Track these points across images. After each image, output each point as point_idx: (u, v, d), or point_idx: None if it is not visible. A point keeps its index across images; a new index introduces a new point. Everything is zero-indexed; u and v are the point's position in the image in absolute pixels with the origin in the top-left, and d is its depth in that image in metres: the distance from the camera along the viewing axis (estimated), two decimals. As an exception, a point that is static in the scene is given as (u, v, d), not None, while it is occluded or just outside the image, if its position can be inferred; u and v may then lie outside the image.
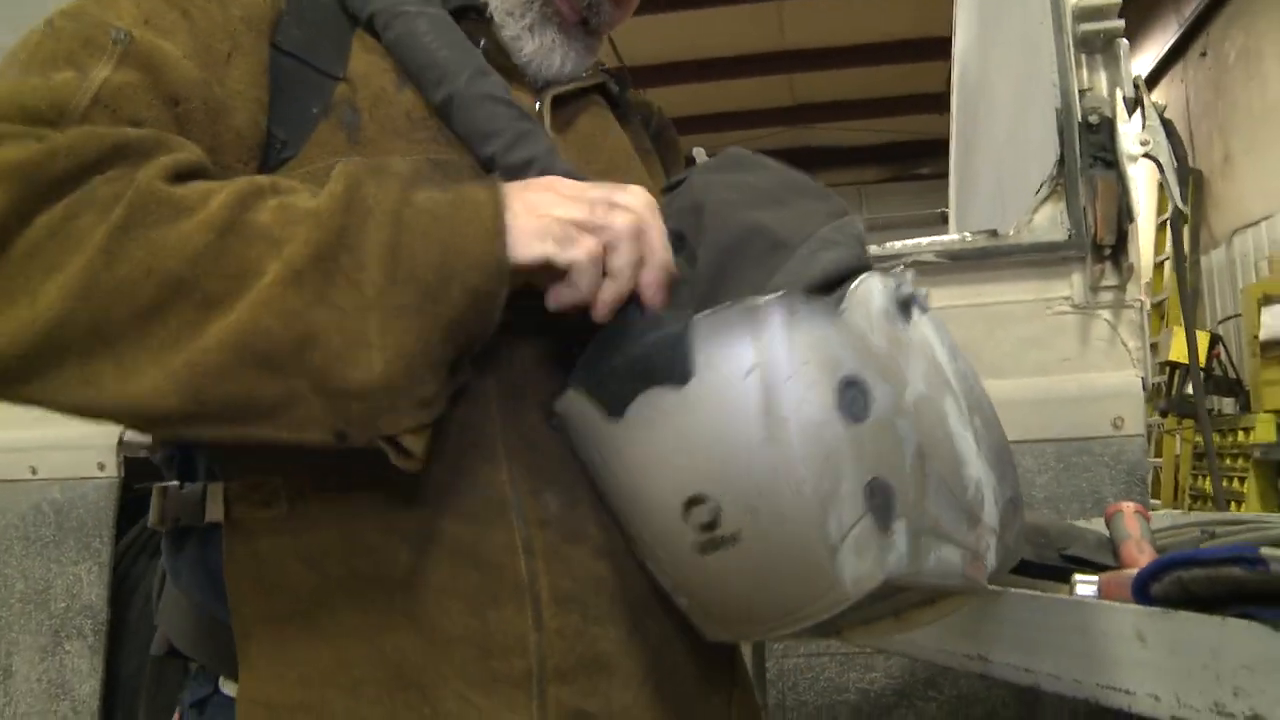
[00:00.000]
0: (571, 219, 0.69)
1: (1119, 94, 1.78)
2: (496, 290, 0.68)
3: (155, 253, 0.63)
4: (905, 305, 0.73)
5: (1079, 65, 1.83)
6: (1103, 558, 1.12)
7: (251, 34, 0.79)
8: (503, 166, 0.78)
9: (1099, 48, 1.84)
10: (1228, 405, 5.97)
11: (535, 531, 0.75)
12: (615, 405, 0.70)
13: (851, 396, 0.67)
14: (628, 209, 0.71)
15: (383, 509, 0.73)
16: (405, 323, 0.65)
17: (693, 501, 0.68)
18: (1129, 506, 1.25)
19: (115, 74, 0.70)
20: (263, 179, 0.69)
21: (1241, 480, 5.78)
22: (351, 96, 0.80)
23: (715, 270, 0.74)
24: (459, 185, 0.70)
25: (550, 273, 0.70)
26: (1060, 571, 1.10)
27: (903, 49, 8.45)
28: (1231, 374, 5.98)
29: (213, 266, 0.63)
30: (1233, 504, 5.78)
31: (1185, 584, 0.80)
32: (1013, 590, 0.97)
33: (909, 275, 0.75)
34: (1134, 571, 0.99)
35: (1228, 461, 5.97)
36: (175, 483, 0.82)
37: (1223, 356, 5.99)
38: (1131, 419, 1.79)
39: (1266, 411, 5.43)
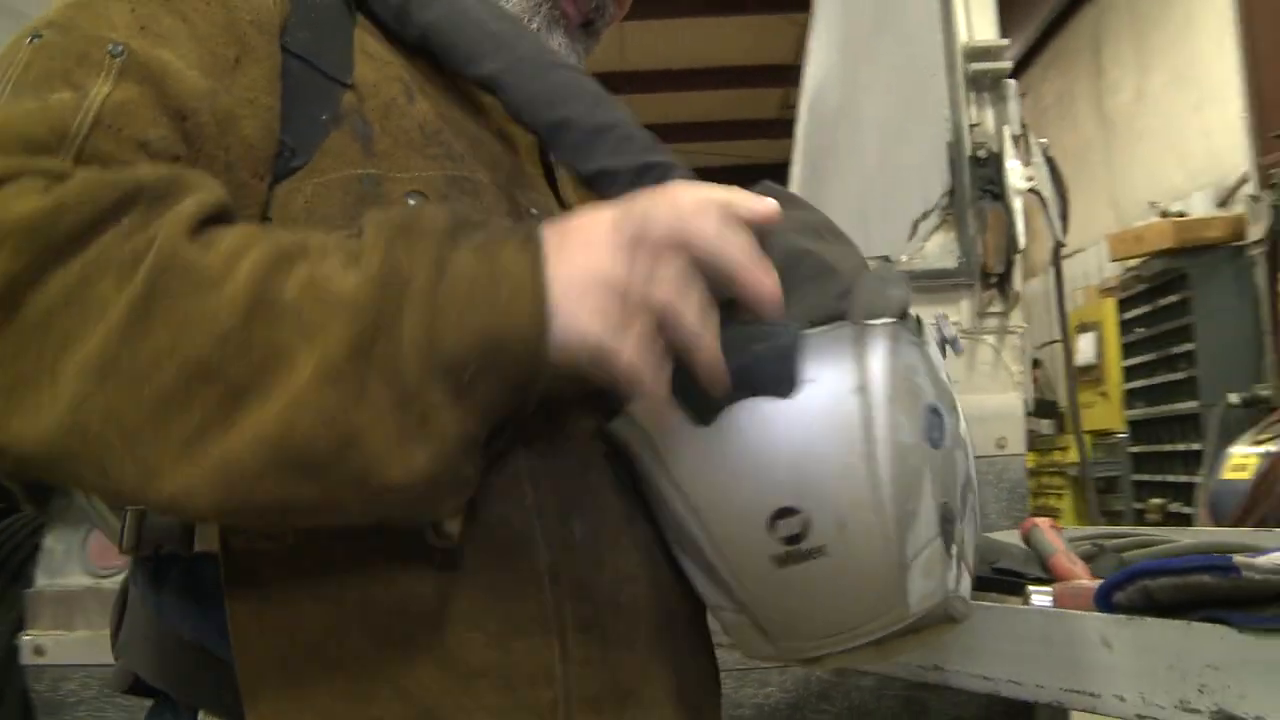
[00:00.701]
0: (620, 286, 0.64)
1: (1006, 131, 1.89)
2: (537, 380, 0.64)
3: (178, 332, 0.58)
4: (943, 345, 0.77)
5: (968, 102, 1.93)
6: (1032, 569, 1.18)
7: (263, 37, 0.74)
8: (584, 128, 0.76)
9: (987, 86, 1.94)
10: (1045, 426, 6.36)
11: (561, 559, 0.74)
12: (707, 413, 0.69)
13: (933, 423, 0.69)
14: (675, 245, 0.65)
15: (400, 539, 0.71)
16: (446, 414, 0.61)
17: (782, 513, 0.68)
18: (1043, 522, 1.33)
19: (115, 90, 0.65)
20: (286, 237, 0.63)
21: (1059, 496, 6.17)
22: (360, 106, 0.76)
23: None
24: (495, 242, 0.64)
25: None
26: (993, 583, 1.15)
27: (739, 75, 8.70)
28: (1049, 396, 6.38)
29: (240, 352, 0.58)
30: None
31: (1150, 592, 0.86)
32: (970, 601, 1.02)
33: (949, 318, 0.80)
34: (1083, 582, 1.05)
35: (1044, 480, 6.37)
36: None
37: (1040, 380, 6.39)
38: (1014, 439, 1.90)
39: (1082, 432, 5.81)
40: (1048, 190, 1.86)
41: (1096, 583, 0.97)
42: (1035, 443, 6.11)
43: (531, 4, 0.89)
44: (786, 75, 8.05)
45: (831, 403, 0.68)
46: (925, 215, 1.94)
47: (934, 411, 0.70)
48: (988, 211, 1.85)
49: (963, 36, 1.99)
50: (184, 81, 0.68)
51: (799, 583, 0.69)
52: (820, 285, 0.73)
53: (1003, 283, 1.85)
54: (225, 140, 0.69)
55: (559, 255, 0.64)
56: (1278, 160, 4.66)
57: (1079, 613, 0.94)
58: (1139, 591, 0.87)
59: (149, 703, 0.80)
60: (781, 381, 0.67)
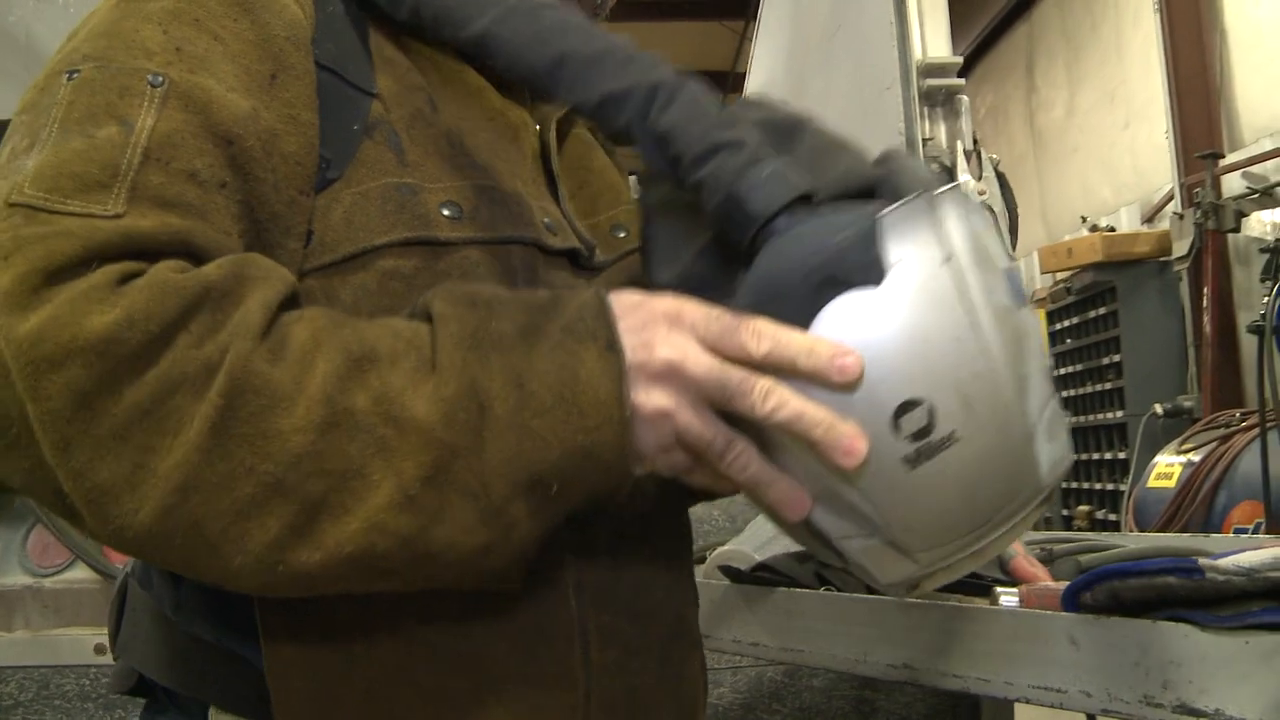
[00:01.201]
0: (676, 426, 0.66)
1: (959, 145, 1.94)
2: (619, 486, 0.67)
3: (255, 451, 0.60)
4: None
5: (922, 117, 1.98)
6: (992, 572, 1.22)
7: (299, 53, 0.74)
8: (581, 57, 0.73)
9: (940, 102, 1.99)
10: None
11: (585, 568, 0.76)
12: (798, 323, 0.64)
13: (1015, 283, 0.68)
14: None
15: None
16: (527, 526, 0.65)
17: (903, 409, 0.63)
18: (1000, 525, 1.37)
19: (160, 121, 0.65)
20: (353, 337, 0.64)
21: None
22: (387, 115, 0.76)
23: (813, 159, 0.71)
24: (572, 343, 0.65)
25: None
26: (959, 585, 1.19)
27: (682, 82, 8.74)
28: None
29: (315, 471, 0.61)
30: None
31: (1118, 592, 0.90)
32: (938, 602, 1.06)
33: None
34: (1049, 583, 1.09)
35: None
36: None
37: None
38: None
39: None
40: (999, 204, 1.91)
41: (1060, 585, 1.01)
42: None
43: None
44: (724, 82, 8.13)
45: (925, 279, 0.64)
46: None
47: (1010, 272, 0.68)
48: (941, 224, 1.89)
49: (917, 52, 2.04)
50: (227, 106, 0.68)
51: (935, 479, 0.65)
52: (833, 155, 0.71)
53: (955, 294, 1.89)
54: (270, 161, 0.69)
55: (637, 351, 0.65)
56: (1201, 180, 4.82)
57: (1047, 612, 0.98)
58: (1106, 592, 0.91)
59: (88, 706, 0.81)
60: (870, 268, 0.63)
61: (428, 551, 0.63)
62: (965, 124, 1.97)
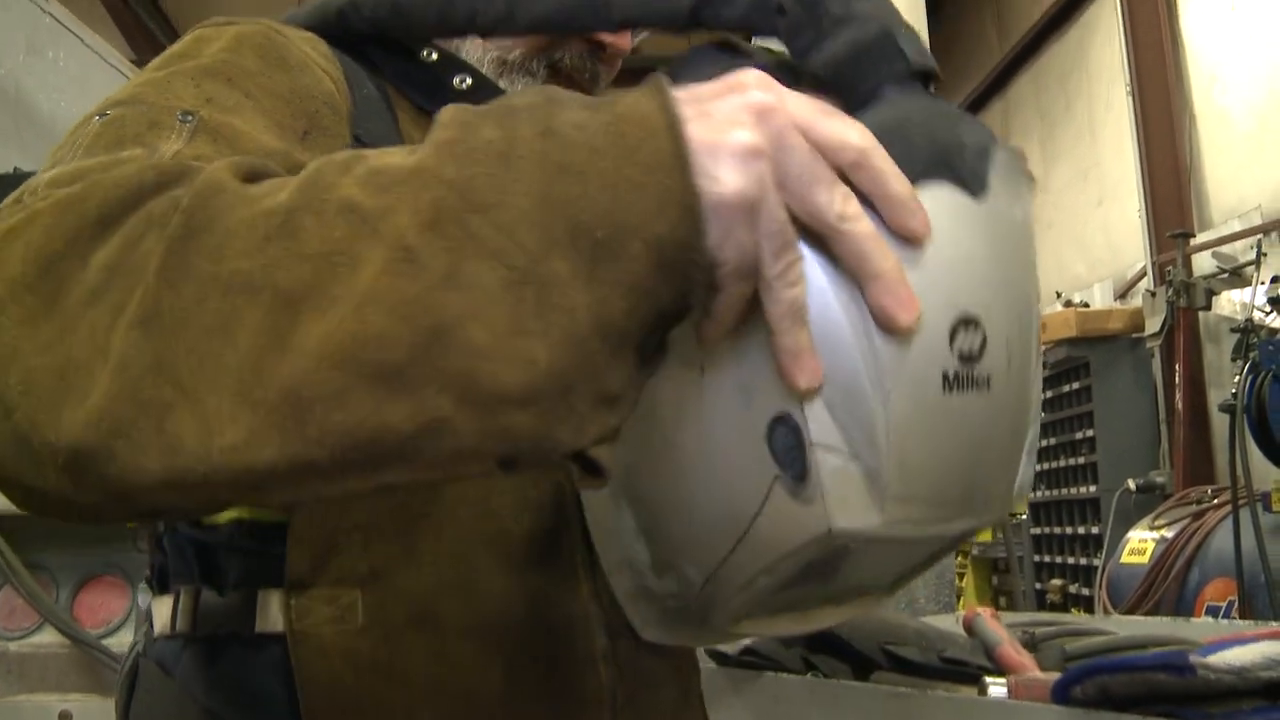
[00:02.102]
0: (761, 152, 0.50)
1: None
2: (690, 239, 0.48)
3: (218, 257, 0.48)
4: None
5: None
6: (978, 659, 1.22)
7: (335, 116, 0.74)
8: None
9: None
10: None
11: (613, 637, 0.77)
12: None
13: None
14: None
15: (472, 624, 0.72)
16: (575, 290, 0.47)
17: (965, 322, 0.56)
18: (985, 611, 1.38)
19: (188, 148, 0.61)
20: (344, 153, 0.53)
21: (960, 576, 6.28)
22: None
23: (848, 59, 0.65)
24: (606, 97, 0.53)
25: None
26: (945, 673, 1.19)
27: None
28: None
29: (287, 257, 0.48)
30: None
31: (1108, 687, 0.91)
32: (930, 692, 1.06)
33: None
34: (1036, 674, 1.10)
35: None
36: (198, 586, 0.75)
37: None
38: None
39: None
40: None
41: (1049, 676, 1.01)
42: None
43: (526, 76, 0.90)
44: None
45: (1013, 219, 0.60)
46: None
47: None
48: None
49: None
50: (257, 141, 0.65)
51: (955, 418, 0.57)
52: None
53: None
54: None
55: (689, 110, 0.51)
56: (1172, 258, 4.92)
57: (1036, 704, 0.98)
58: (1096, 687, 0.92)
59: None
60: (978, 178, 0.57)
61: (436, 326, 0.46)
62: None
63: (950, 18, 7.83)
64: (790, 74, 0.69)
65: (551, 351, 0.47)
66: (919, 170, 0.55)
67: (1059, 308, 5.57)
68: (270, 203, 0.49)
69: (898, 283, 0.51)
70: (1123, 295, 5.78)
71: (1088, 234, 6.26)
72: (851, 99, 0.62)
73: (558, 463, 0.51)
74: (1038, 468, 5.61)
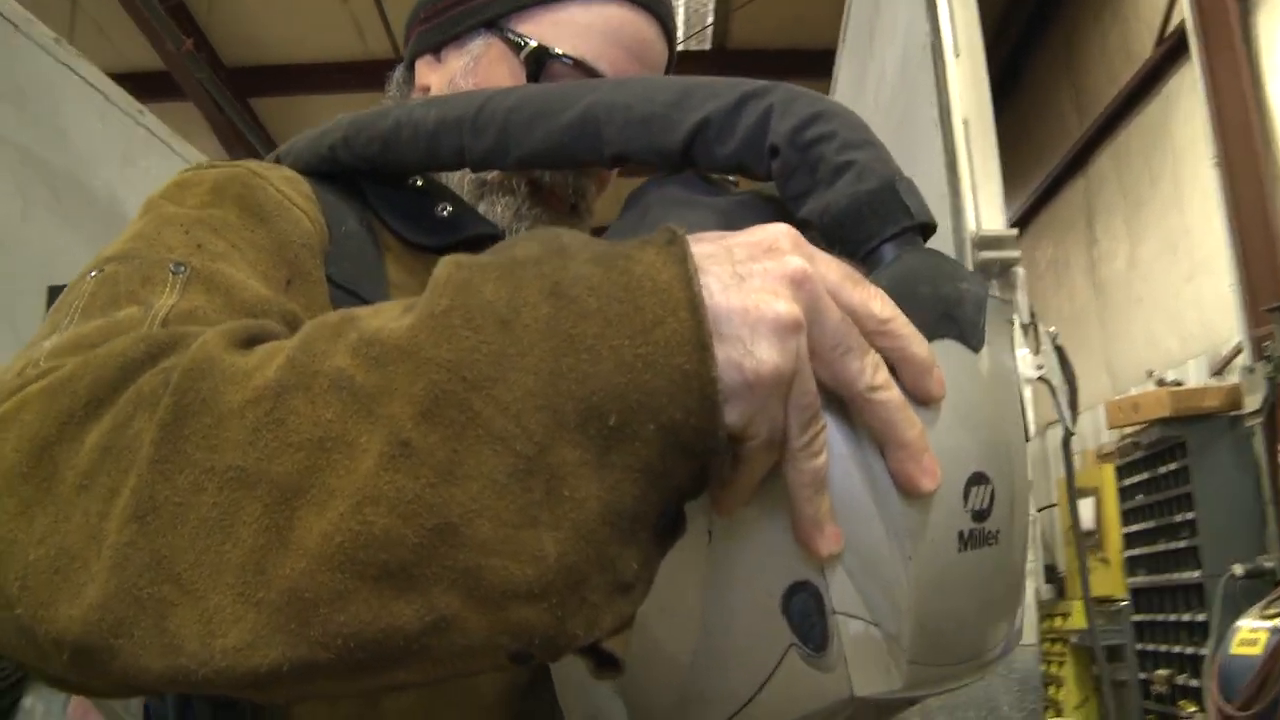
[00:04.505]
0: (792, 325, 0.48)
1: (1015, 319, 1.92)
2: (707, 425, 0.46)
3: (212, 446, 0.47)
4: None
5: (977, 290, 1.97)
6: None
7: (314, 260, 0.76)
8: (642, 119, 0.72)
9: (996, 274, 1.98)
10: (1045, 591, 6.29)
11: None
12: None
13: None
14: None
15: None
16: (586, 478, 0.45)
17: (976, 480, 0.56)
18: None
19: (182, 300, 0.63)
20: (336, 314, 0.51)
21: (1059, 664, 6.04)
22: None
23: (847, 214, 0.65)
24: (621, 248, 0.49)
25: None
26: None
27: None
28: (1048, 559, 6.32)
29: (279, 442, 0.46)
30: (1051, 687, 6.03)
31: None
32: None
33: None
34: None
35: (1045, 646, 6.26)
36: None
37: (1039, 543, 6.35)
38: (1024, 629, 1.87)
39: (1082, 598, 5.74)
40: (1057, 378, 1.88)
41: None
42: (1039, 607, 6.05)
43: (514, 205, 0.91)
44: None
45: (1007, 369, 0.61)
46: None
47: None
48: (999, 398, 1.86)
49: (971, 225, 2.05)
50: (249, 289, 0.67)
51: (970, 574, 0.57)
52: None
53: (1015, 470, 1.85)
54: None
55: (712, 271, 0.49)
56: (1270, 333, 4.74)
57: None
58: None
59: None
60: (976, 330, 0.58)
61: (440, 524, 0.44)
62: (1021, 297, 1.96)
63: (1026, 97, 7.80)
64: (775, 207, 0.68)
65: (561, 545, 0.45)
66: (928, 329, 0.55)
67: (1151, 386, 5.40)
68: (260, 380, 0.48)
69: (923, 450, 0.51)
70: (1219, 371, 5.59)
71: (1179, 309, 6.09)
72: (850, 251, 0.61)
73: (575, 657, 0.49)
74: (1137, 552, 5.42)
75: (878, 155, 0.64)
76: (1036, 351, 1.90)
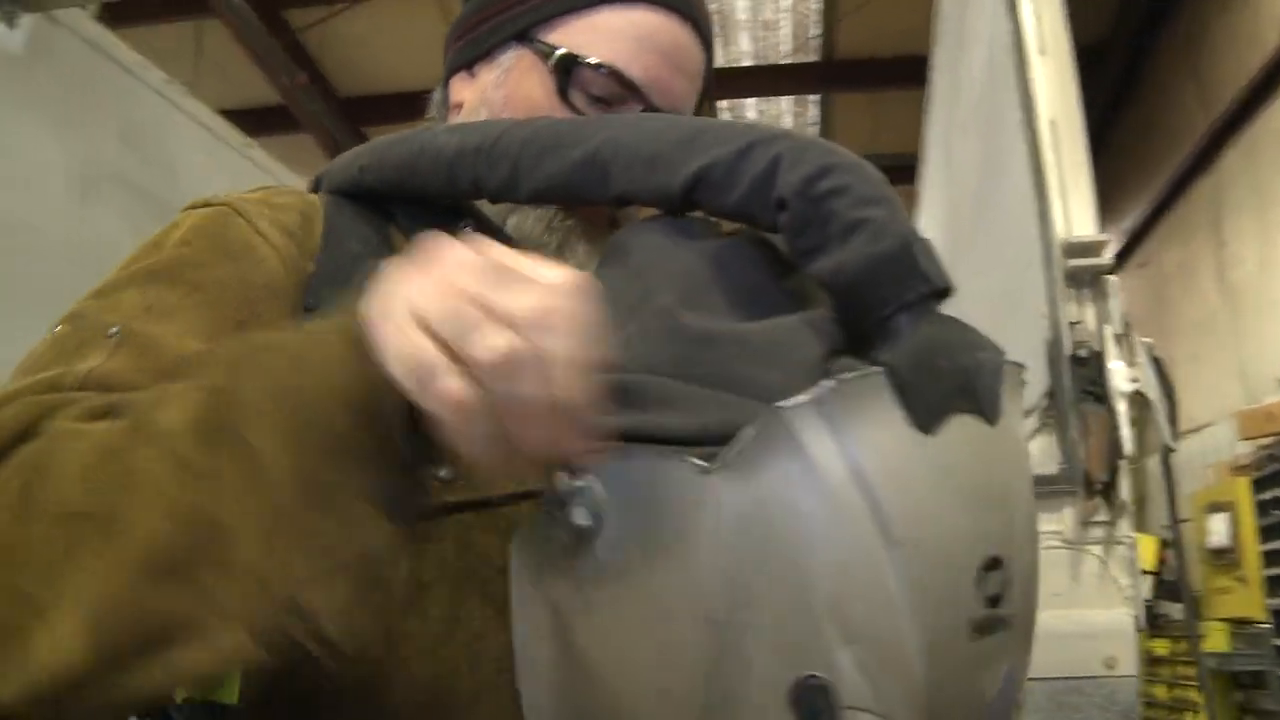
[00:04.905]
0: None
1: (1107, 330, 1.82)
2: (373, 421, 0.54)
3: (60, 492, 0.55)
4: None
5: (1067, 299, 1.87)
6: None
7: (275, 301, 0.76)
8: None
9: (1087, 283, 1.88)
10: (1177, 611, 5.98)
11: None
12: (926, 419, 0.54)
13: None
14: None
15: None
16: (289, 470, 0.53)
17: (993, 564, 0.54)
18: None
19: (106, 363, 0.68)
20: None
21: (1198, 689, 5.73)
22: None
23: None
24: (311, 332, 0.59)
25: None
26: None
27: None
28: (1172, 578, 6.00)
29: (104, 482, 0.54)
30: (1187, 714, 5.72)
31: None
32: None
33: None
34: None
35: (1179, 669, 5.94)
36: None
37: (1169, 562, 6.03)
38: (1124, 659, 1.76)
39: (1219, 620, 5.43)
40: (1154, 393, 1.76)
41: None
42: (1167, 628, 5.74)
43: (546, 218, 0.88)
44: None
45: (1019, 438, 0.59)
46: (1024, 417, 1.86)
47: None
48: (1089, 415, 1.76)
49: (1060, 231, 1.95)
50: (176, 349, 0.69)
51: (981, 664, 0.55)
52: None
53: (1108, 490, 1.75)
54: None
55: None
56: None
57: None
58: None
59: None
60: (994, 403, 0.56)
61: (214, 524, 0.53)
62: (1114, 306, 1.86)
63: (1148, 94, 7.48)
64: (765, 250, 0.64)
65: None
66: (948, 405, 0.55)
67: (1286, 396, 5.10)
68: (104, 434, 0.57)
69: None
70: (1363, 378, 5.25)
71: (1316, 313, 5.75)
72: (864, 316, 0.58)
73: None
74: (1276, 572, 5.11)
75: (893, 213, 0.61)
76: (1131, 364, 1.79)
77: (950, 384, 0.55)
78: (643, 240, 0.69)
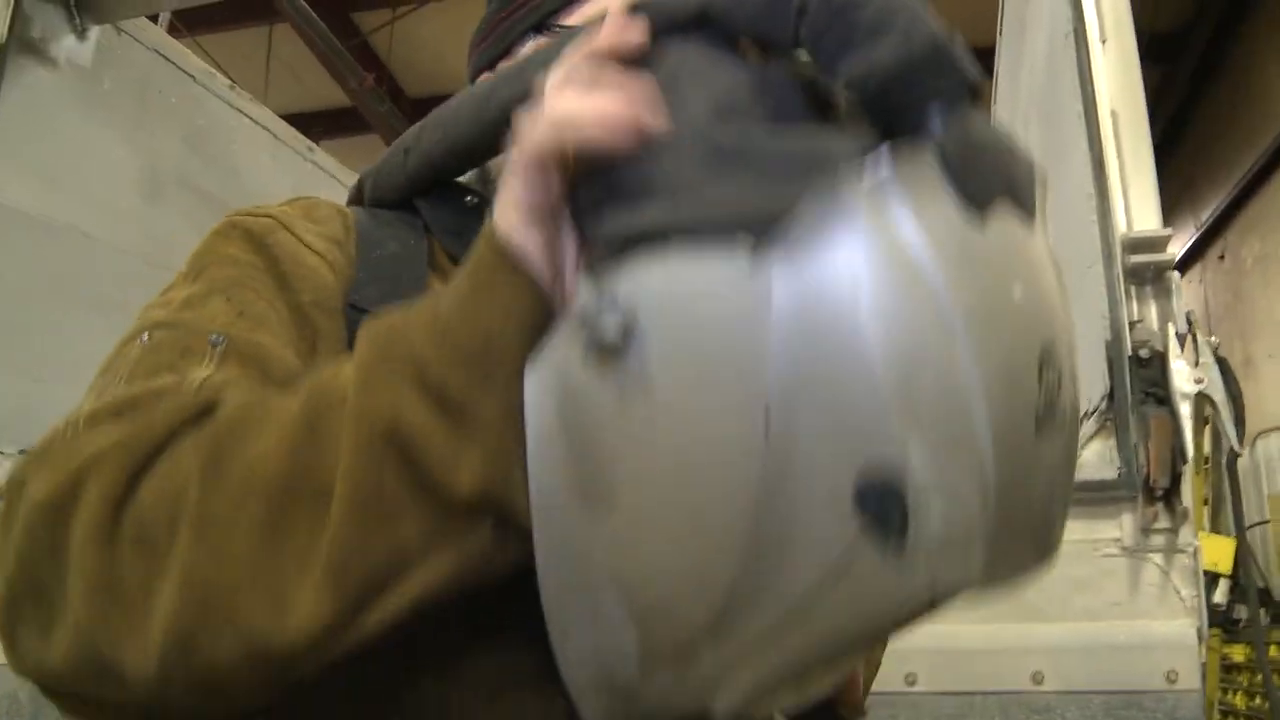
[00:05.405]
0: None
1: (1171, 329, 1.75)
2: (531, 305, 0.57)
3: (253, 466, 0.58)
4: None
5: (1129, 297, 1.80)
6: None
7: (323, 314, 0.77)
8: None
9: (1149, 279, 1.81)
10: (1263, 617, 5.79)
11: None
12: (978, 199, 0.52)
13: None
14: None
15: None
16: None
17: (1048, 354, 0.53)
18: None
19: (217, 373, 0.68)
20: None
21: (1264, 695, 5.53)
22: None
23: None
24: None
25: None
26: None
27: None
28: (1260, 582, 5.81)
29: (314, 458, 0.57)
30: (1267, 723, 5.54)
31: None
32: None
33: None
34: None
35: (1258, 677, 5.75)
36: None
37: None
38: (1186, 672, 1.69)
39: (1305, 625, 5.26)
40: (1219, 394, 1.69)
41: None
42: (1245, 634, 5.56)
43: None
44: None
45: (1051, 254, 0.57)
46: (1083, 419, 1.79)
47: None
48: (1151, 417, 1.69)
49: (1122, 226, 1.88)
50: (283, 362, 0.71)
51: (1043, 463, 0.54)
52: None
53: (1169, 496, 1.68)
54: None
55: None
56: None
57: None
58: None
59: None
60: (1031, 195, 0.55)
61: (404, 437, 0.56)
62: (1177, 304, 1.78)
63: (1230, 82, 7.25)
64: (798, 83, 0.59)
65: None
66: (995, 188, 0.52)
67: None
68: (292, 412, 0.59)
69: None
70: None
71: None
72: (896, 119, 0.54)
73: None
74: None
75: (919, 13, 0.58)
76: (1195, 364, 1.72)
77: (994, 171, 0.53)
78: (680, 51, 0.62)
